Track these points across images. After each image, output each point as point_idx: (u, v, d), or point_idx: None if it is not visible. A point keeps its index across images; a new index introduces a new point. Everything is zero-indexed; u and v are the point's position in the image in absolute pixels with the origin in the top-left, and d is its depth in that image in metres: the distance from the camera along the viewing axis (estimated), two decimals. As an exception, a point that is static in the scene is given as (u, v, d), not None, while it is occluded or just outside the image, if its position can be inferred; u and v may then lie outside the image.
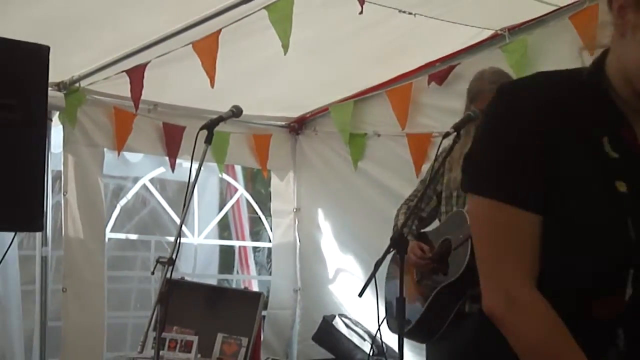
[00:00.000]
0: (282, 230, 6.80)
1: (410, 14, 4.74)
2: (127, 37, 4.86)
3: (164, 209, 7.14)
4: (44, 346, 5.26)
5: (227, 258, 8.47)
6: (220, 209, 7.76)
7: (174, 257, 3.91)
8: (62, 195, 5.48)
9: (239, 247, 8.20)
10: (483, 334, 1.82)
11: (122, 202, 6.87)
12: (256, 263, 8.57)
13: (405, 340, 3.85)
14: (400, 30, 5.04)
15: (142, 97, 5.20)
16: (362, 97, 6.12)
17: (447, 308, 3.98)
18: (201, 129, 4.09)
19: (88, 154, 5.58)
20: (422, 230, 4.35)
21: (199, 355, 5.06)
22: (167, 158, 5.92)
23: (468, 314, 3.90)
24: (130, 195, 7.03)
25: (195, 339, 5.05)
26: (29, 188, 3.61)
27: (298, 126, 6.70)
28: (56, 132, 5.43)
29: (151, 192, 7.09)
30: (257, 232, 8.39)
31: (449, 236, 4.07)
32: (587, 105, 1.75)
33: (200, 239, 7.08)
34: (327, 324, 6.10)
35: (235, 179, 7.62)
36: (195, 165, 4.02)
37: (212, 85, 4.66)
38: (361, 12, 4.31)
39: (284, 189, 6.80)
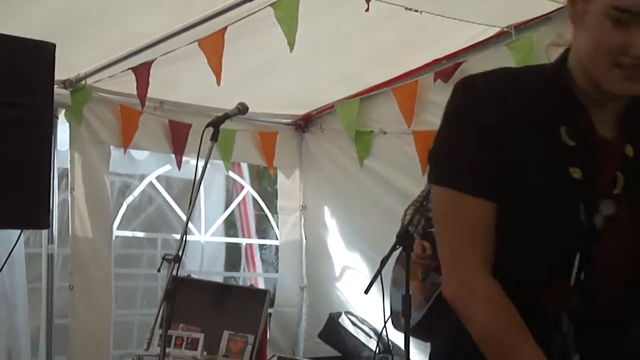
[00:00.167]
0: (288, 228, 6.80)
1: (416, 11, 4.73)
2: (133, 34, 4.86)
3: (170, 206, 7.14)
4: (50, 343, 5.27)
5: (233, 256, 8.47)
6: (227, 207, 7.75)
7: (180, 254, 3.92)
8: (68, 192, 5.48)
9: (246, 244, 8.20)
10: (459, 326, 1.84)
11: (129, 199, 6.88)
12: (263, 261, 8.56)
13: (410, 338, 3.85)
14: (406, 27, 5.04)
15: (148, 95, 5.20)
16: (368, 95, 6.11)
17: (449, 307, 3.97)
18: (207, 126, 4.09)
19: (94, 152, 5.58)
20: (429, 230, 4.34)
21: (205, 353, 5.06)
22: (173, 156, 5.92)
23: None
24: (136, 192, 7.03)
25: (201, 336, 5.05)
26: (35, 185, 3.61)
27: (304, 124, 6.69)
28: (62, 130, 5.43)
29: (157, 189, 7.09)
30: (263, 230, 8.39)
31: None
32: (547, 98, 1.78)
33: (207, 236, 7.08)
34: (333, 321, 6.10)
35: (241, 176, 7.62)
36: (201, 163, 4.03)
37: (218, 82, 4.66)
38: (367, 10, 4.30)
39: (290, 187, 6.80)
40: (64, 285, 5.46)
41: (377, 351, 5.46)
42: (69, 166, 5.48)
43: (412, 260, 4.09)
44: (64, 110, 5.36)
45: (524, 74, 1.86)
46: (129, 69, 5.10)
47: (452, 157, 1.80)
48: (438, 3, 4.72)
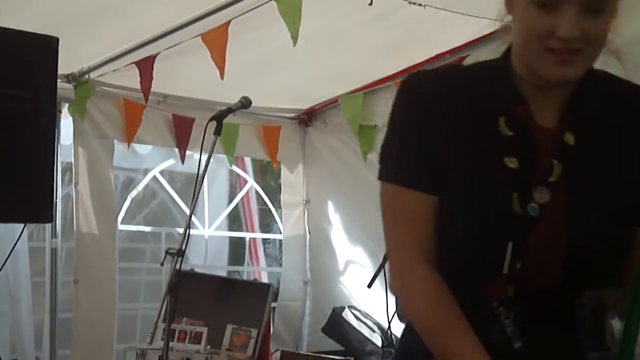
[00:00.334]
0: (292, 222, 6.80)
1: (420, 5, 4.72)
2: (136, 28, 4.86)
3: (174, 200, 7.15)
4: (54, 337, 5.27)
5: (237, 250, 8.47)
6: (230, 201, 7.76)
7: (183, 248, 3.92)
8: (72, 187, 5.48)
9: (249, 238, 8.21)
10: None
11: (133, 194, 6.88)
12: (266, 255, 8.57)
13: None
14: (410, 21, 5.03)
15: (152, 89, 5.20)
16: (371, 89, 6.10)
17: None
18: (210, 120, 4.09)
19: (98, 146, 5.59)
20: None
21: (208, 347, 5.06)
22: (176, 150, 5.92)
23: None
24: (140, 187, 7.04)
25: (204, 330, 5.05)
26: (38, 179, 3.62)
27: (307, 118, 6.68)
28: (66, 124, 5.44)
29: (161, 183, 7.09)
30: (267, 224, 8.39)
31: None
32: (489, 90, 1.80)
33: (210, 230, 7.08)
34: (336, 315, 6.10)
35: (245, 170, 7.62)
36: (204, 157, 4.03)
37: (222, 76, 4.65)
38: (371, 3, 4.30)
39: (293, 181, 6.79)
40: (67, 279, 5.47)
41: (383, 345, 5.46)
42: (72, 160, 5.49)
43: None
44: (67, 105, 5.36)
45: (474, 68, 1.89)
46: (132, 63, 5.10)
47: (393, 153, 1.85)
48: (442, -3, 4.72)
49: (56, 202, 4.99)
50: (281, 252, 7.10)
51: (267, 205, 7.42)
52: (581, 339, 1.61)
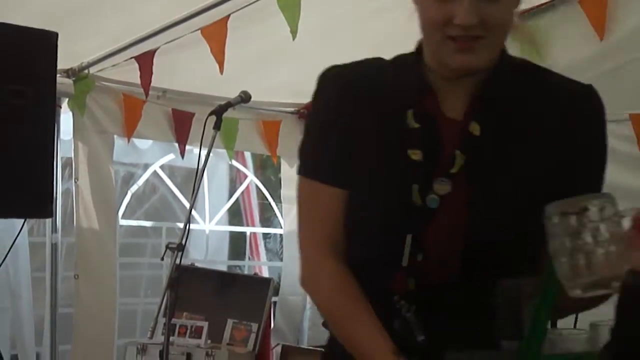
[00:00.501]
0: (292, 217, 6.79)
1: (420, -1, 4.71)
2: (136, 23, 4.85)
3: (174, 195, 7.15)
4: (55, 332, 5.27)
5: (237, 244, 8.47)
6: (231, 196, 7.76)
7: (183, 242, 3.92)
8: (72, 182, 5.48)
9: (250, 233, 8.21)
10: None
11: (133, 188, 6.89)
12: (267, 249, 8.57)
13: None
14: (411, 15, 5.02)
15: (151, 84, 5.20)
16: (371, 83, 6.09)
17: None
18: (210, 114, 4.09)
19: (98, 141, 5.58)
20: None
21: (209, 341, 5.07)
22: (176, 144, 5.92)
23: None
24: (140, 182, 7.04)
25: (205, 324, 5.06)
26: (38, 174, 3.63)
27: (308, 112, 6.66)
28: (66, 119, 5.43)
29: (162, 178, 7.10)
30: (267, 219, 8.39)
31: None
32: (399, 83, 1.80)
33: (211, 225, 7.09)
34: (337, 309, 6.10)
35: (245, 165, 7.62)
36: (204, 152, 4.03)
37: (221, 71, 4.66)
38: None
39: (294, 175, 6.73)
40: (68, 274, 5.47)
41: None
42: (72, 155, 5.48)
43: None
44: (67, 100, 5.35)
45: (387, 62, 1.89)
46: (131, 57, 5.09)
47: (307, 147, 1.87)
48: (442, -10, 4.71)
49: (56, 197, 4.99)
50: (282, 246, 7.10)
51: (268, 200, 7.42)
52: (497, 328, 1.59)
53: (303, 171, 1.87)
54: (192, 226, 4.15)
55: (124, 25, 4.86)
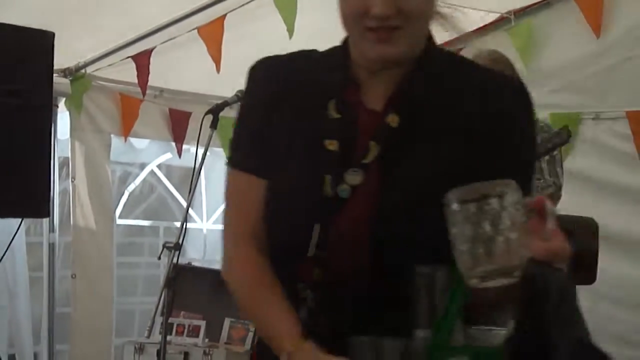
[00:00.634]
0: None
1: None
2: (133, 22, 4.85)
3: (171, 194, 7.15)
4: (52, 332, 5.28)
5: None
6: (228, 195, 7.75)
7: (180, 242, 3.92)
8: (69, 181, 5.49)
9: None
10: None
11: (130, 188, 6.88)
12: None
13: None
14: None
15: (148, 83, 5.20)
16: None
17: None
18: (206, 113, 4.09)
19: (95, 140, 5.59)
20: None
21: (206, 340, 5.07)
22: (173, 144, 5.92)
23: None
24: (137, 181, 7.04)
25: (202, 323, 5.06)
26: (35, 174, 3.62)
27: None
28: (62, 119, 5.44)
29: (159, 177, 7.09)
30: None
31: None
32: (324, 74, 1.80)
33: (209, 224, 7.09)
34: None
35: (242, 164, 7.61)
36: (201, 150, 4.03)
37: (218, 70, 4.67)
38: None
39: (290, 174, 6.78)
40: (65, 274, 5.47)
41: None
42: (69, 155, 5.49)
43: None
44: (64, 99, 5.36)
45: (316, 54, 1.88)
46: (128, 57, 5.10)
47: (234, 137, 1.86)
48: (438, -11, 4.71)
49: (53, 196, 5.00)
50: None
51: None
52: (411, 317, 1.58)
53: (229, 160, 1.87)
54: (190, 225, 4.16)
55: (121, 24, 4.86)
